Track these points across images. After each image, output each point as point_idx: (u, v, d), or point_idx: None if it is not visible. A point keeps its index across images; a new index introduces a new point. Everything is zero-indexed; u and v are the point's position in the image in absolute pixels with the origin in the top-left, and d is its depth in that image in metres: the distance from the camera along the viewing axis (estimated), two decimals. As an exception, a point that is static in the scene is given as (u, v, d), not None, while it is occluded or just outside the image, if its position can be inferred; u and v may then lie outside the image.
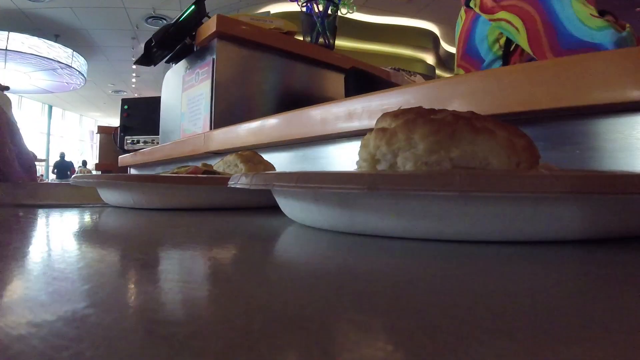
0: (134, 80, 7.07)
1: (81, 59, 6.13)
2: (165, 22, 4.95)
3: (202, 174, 0.51)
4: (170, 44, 1.14)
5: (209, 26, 1.07)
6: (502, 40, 0.72)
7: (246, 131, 0.84)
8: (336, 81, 1.30)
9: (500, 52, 0.73)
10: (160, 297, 0.14)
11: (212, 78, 1.06)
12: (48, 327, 0.10)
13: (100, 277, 0.16)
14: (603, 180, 0.18)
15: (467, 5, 0.77)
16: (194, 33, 1.13)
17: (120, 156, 1.70)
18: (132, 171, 1.64)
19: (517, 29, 0.66)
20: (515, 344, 0.10)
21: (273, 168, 0.56)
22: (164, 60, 1.28)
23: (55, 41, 5.57)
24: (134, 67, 6.38)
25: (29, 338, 0.09)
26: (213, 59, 1.06)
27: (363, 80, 1.05)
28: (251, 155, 0.53)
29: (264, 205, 0.48)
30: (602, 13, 0.60)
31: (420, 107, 0.28)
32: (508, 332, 0.10)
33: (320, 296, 0.13)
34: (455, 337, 0.10)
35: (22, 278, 0.16)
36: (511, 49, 0.72)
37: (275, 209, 0.33)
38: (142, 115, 1.97)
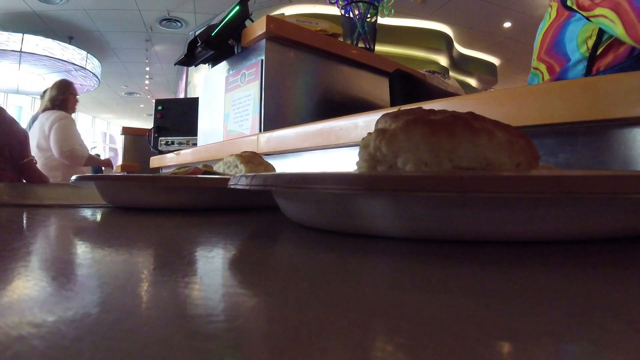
0: (147, 82, 7.11)
1: (95, 61, 6.16)
2: (179, 24, 4.99)
3: (203, 174, 0.51)
4: (216, 44, 1.16)
5: (258, 27, 1.07)
6: (590, 43, 0.75)
7: (311, 133, 0.82)
8: (379, 84, 1.32)
9: (587, 54, 0.76)
10: (159, 297, 0.14)
11: (261, 79, 1.07)
12: (48, 327, 0.10)
13: (100, 277, 0.16)
14: (603, 181, 0.18)
15: (564, 6, 0.80)
16: (238, 34, 1.15)
17: (152, 157, 1.69)
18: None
19: (613, 21, 0.68)
20: (515, 344, 0.10)
21: (273, 169, 0.56)
22: (205, 61, 1.29)
23: (70, 43, 5.61)
24: (147, 69, 6.41)
25: (29, 338, 0.09)
26: (262, 60, 1.07)
27: (408, 83, 1.05)
28: (251, 156, 0.53)
29: (264, 206, 0.48)
30: None
31: (420, 108, 0.28)
32: (508, 332, 0.10)
33: (320, 297, 0.13)
34: (455, 337, 0.10)
35: (22, 278, 0.16)
36: (597, 53, 0.75)
37: (275, 209, 0.33)
38: (176, 117, 1.96)
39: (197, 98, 1.48)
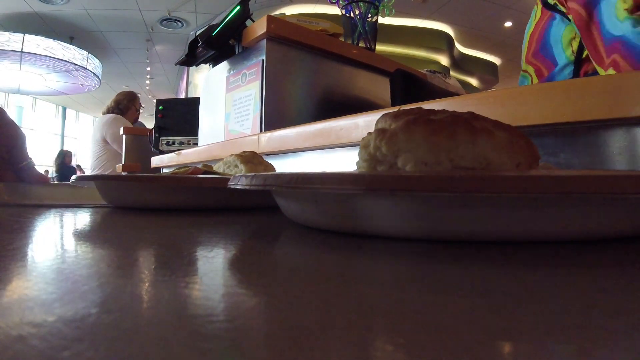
0: (147, 82, 7.12)
1: (96, 61, 6.18)
2: (180, 24, 5.01)
3: (202, 174, 0.51)
4: (217, 44, 1.16)
5: (258, 27, 1.07)
6: (575, 45, 0.73)
7: (312, 132, 0.82)
8: (380, 84, 1.32)
9: (573, 58, 0.74)
10: (159, 297, 0.14)
11: (261, 79, 1.07)
12: (48, 327, 0.10)
13: (100, 277, 0.16)
14: (603, 181, 0.18)
15: (545, 5, 0.77)
16: (239, 34, 1.15)
17: (153, 157, 1.70)
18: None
19: (578, 30, 0.68)
20: (515, 344, 0.10)
21: (273, 169, 0.56)
22: (206, 61, 1.29)
23: (70, 43, 5.63)
24: (148, 69, 6.43)
25: (29, 338, 0.09)
26: (262, 60, 1.07)
27: (409, 82, 1.05)
28: (251, 156, 0.53)
29: (264, 205, 0.48)
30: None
31: (420, 108, 0.28)
32: (508, 332, 0.10)
33: (320, 297, 0.13)
34: (455, 337, 0.10)
35: (22, 278, 0.16)
36: (583, 56, 0.72)
37: (275, 209, 0.33)
38: (177, 116, 1.97)
39: (198, 98, 1.49)
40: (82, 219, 0.37)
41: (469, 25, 5.47)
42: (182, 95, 5.93)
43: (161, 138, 1.94)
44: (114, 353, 0.09)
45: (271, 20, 1.06)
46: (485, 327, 0.11)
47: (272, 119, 1.06)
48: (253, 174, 0.29)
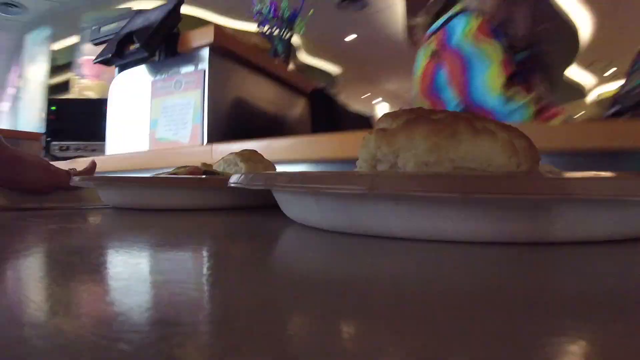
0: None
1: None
2: (17, 9, 3.77)
3: (202, 173, 0.51)
4: (154, 47, 1.12)
5: (204, 35, 1.07)
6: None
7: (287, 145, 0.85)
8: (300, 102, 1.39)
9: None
10: (159, 298, 0.14)
11: (203, 88, 1.07)
12: (48, 327, 0.10)
13: (100, 278, 0.16)
14: (603, 183, 0.18)
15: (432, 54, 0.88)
16: (172, 39, 1.14)
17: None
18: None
19: None
20: (515, 343, 0.10)
21: (273, 167, 0.56)
22: (137, 62, 1.24)
23: None
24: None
25: (29, 338, 0.09)
26: (204, 70, 1.07)
27: (327, 103, 1.06)
28: (251, 154, 0.53)
29: (264, 205, 0.48)
30: (512, 77, 0.69)
31: (420, 108, 0.28)
32: (508, 332, 0.10)
33: (321, 297, 0.13)
34: (456, 337, 0.10)
35: (22, 279, 0.16)
36: None
37: (275, 209, 0.33)
38: (73, 119, 1.75)
39: (100, 99, 1.37)
40: (83, 220, 0.37)
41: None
42: (12, 90, 5.06)
43: (53, 142, 1.68)
44: (114, 353, 0.09)
45: (218, 30, 1.06)
46: (485, 327, 0.11)
47: (218, 130, 1.07)
48: (253, 173, 0.29)
